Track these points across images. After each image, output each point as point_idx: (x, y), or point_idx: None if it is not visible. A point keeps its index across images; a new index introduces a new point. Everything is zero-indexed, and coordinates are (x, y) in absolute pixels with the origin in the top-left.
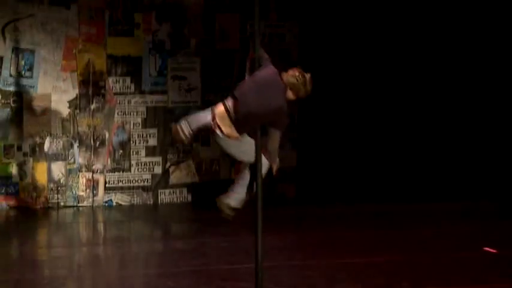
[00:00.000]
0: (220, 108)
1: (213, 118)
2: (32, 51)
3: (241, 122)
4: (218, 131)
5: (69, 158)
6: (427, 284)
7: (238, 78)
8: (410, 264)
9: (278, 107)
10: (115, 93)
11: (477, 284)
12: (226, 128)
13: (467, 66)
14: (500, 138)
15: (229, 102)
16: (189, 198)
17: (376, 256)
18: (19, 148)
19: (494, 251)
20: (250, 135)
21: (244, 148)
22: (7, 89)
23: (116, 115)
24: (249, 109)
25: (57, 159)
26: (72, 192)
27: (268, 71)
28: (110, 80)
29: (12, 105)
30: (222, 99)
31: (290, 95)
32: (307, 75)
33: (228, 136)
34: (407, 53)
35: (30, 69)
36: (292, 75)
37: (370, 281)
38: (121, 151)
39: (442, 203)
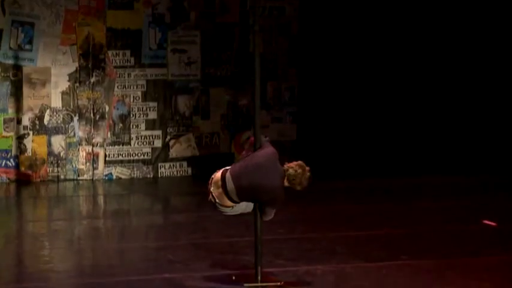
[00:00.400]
0: (217, 175)
1: (209, 183)
2: (32, 25)
3: (232, 197)
4: (210, 196)
5: (69, 132)
6: (426, 256)
7: (238, 51)
8: (410, 237)
9: (273, 188)
10: (115, 67)
11: (476, 257)
12: (218, 195)
13: (468, 40)
14: (501, 112)
15: (228, 173)
16: (189, 171)
17: (376, 229)
18: (19, 121)
19: (493, 224)
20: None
21: (237, 209)
22: (7, 62)
23: (115, 88)
24: (242, 189)
25: (57, 133)
26: (72, 166)
27: (267, 151)
28: (110, 53)
29: (12, 78)
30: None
31: (285, 182)
32: (307, 171)
33: (220, 203)
34: (410, 26)
35: (30, 42)
36: (293, 167)
37: (370, 254)
38: (121, 124)
39: (441, 177)
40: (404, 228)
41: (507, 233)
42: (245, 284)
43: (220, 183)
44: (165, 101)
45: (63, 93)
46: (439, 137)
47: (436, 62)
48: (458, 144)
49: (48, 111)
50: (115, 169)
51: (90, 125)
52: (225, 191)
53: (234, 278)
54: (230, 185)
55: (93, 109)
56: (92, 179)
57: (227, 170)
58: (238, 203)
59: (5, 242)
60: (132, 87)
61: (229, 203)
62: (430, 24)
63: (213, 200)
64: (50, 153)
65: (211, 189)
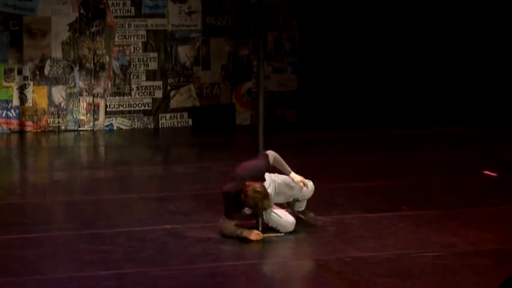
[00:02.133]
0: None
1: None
2: None
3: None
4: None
5: (70, 82)
6: (427, 207)
7: (239, 1)
8: (411, 187)
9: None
10: (115, 17)
11: (477, 207)
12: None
13: None
14: (501, 61)
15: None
16: (190, 122)
17: (377, 180)
18: (19, 72)
19: (494, 174)
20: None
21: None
22: (7, 11)
23: (116, 39)
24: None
25: (57, 83)
26: (73, 116)
27: (260, 161)
28: (110, 3)
29: (12, 28)
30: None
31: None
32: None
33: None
34: None
35: None
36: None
37: (370, 205)
38: (121, 75)
39: (442, 127)
40: (405, 179)
41: (508, 183)
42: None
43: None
44: (165, 51)
45: (63, 43)
46: (440, 86)
47: (438, 15)
48: (458, 94)
49: (48, 61)
50: (116, 120)
51: (91, 76)
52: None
53: None
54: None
55: (93, 59)
56: (93, 130)
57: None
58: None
59: (6, 193)
60: (132, 37)
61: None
62: None
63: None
64: (51, 103)
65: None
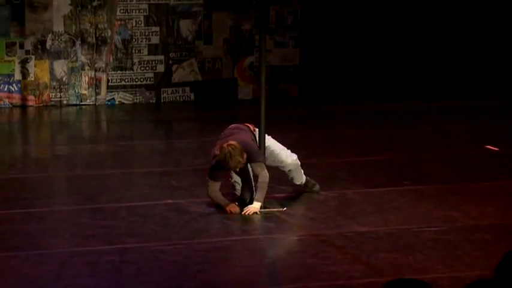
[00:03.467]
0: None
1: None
2: None
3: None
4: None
5: (72, 56)
6: (428, 182)
7: None
8: (412, 162)
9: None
10: None
11: (478, 182)
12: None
13: None
14: (503, 36)
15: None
16: (192, 96)
17: (378, 155)
18: (21, 46)
19: (495, 148)
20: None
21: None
22: None
23: (118, 13)
24: None
25: (59, 57)
26: (75, 91)
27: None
28: None
29: (14, 1)
30: None
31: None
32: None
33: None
34: None
35: None
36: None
37: (371, 180)
38: (123, 49)
39: (443, 101)
40: (406, 154)
41: (509, 158)
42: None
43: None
44: (167, 25)
45: (65, 17)
46: (441, 60)
47: None
48: (460, 68)
49: (50, 35)
50: (117, 94)
51: (93, 50)
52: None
53: (237, 203)
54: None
55: (95, 33)
56: (95, 104)
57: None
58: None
59: (8, 167)
60: (134, 11)
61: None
62: None
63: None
64: (53, 78)
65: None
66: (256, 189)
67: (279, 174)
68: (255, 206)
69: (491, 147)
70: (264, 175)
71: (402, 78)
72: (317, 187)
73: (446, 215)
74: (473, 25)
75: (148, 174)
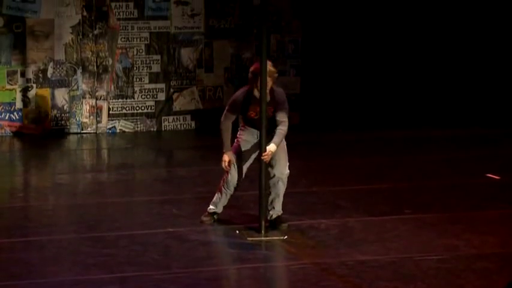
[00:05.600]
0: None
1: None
2: None
3: None
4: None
5: (73, 85)
6: (429, 210)
7: (242, 3)
8: (413, 190)
9: None
10: (118, 19)
11: (479, 210)
12: None
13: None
14: (502, 64)
15: None
16: (193, 125)
17: (379, 183)
18: (22, 74)
19: (496, 177)
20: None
21: None
22: (10, 13)
23: (119, 41)
24: None
25: (60, 86)
26: (76, 119)
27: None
28: (113, 5)
29: (15, 30)
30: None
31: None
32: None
33: None
34: None
35: None
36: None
37: (372, 208)
38: (124, 78)
39: (443, 130)
40: (408, 182)
41: (510, 187)
42: (249, 238)
43: None
44: (168, 53)
45: (66, 45)
46: (441, 89)
47: (441, 18)
48: (460, 97)
49: (51, 63)
50: (118, 122)
51: (94, 78)
52: None
53: (238, 232)
54: None
55: (96, 62)
56: (96, 133)
57: None
58: None
59: (9, 196)
60: (135, 39)
61: None
62: None
63: None
64: (54, 106)
65: None
66: (275, 133)
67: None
68: (271, 148)
69: (492, 176)
70: (287, 124)
71: (403, 106)
72: (285, 225)
73: (447, 244)
74: (474, 55)
75: (149, 203)
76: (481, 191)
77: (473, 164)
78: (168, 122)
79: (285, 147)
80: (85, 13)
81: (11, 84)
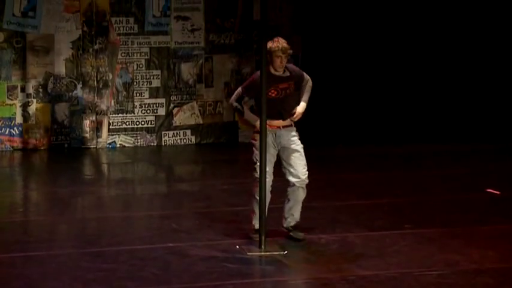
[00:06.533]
0: None
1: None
2: None
3: None
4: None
5: (73, 100)
6: (429, 225)
7: (242, 18)
8: (413, 205)
9: None
10: (118, 34)
11: (479, 225)
12: None
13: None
14: (501, 79)
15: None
16: (193, 140)
17: (379, 198)
18: (22, 89)
19: (497, 192)
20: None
21: None
22: (10, 29)
23: (119, 56)
24: None
25: (60, 101)
26: (76, 134)
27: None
28: (113, 21)
29: (15, 45)
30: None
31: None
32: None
33: None
34: None
35: (33, 9)
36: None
37: (372, 223)
38: (124, 92)
39: (444, 145)
40: (407, 197)
41: (510, 201)
42: (249, 253)
43: None
44: (168, 68)
45: (66, 60)
46: (441, 104)
47: (440, 33)
48: (460, 112)
49: (51, 78)
50: (119, 137)
51: (94, 93)
52: None
53: (238, 247)
54: None
55: (96, 77)
56: (96, 147)
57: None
58: None
59: (9, 211)
60: (135, 54)
61: None
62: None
63: None
64: (54, 121)
65: None
66: (303, 92)
67: (279, 218)
68: (302, 107)
69: (492, 191)
70: (311, 80)
71: (402, 121)
72: (302, 235)
73: (447, 259)
74: (472, 70)
75: (149, 217)
76: (481, 205)
77: (473, 178)
78: (168, 137)
79: (303, 152)
80: (85, 28)
81: (11, 99)
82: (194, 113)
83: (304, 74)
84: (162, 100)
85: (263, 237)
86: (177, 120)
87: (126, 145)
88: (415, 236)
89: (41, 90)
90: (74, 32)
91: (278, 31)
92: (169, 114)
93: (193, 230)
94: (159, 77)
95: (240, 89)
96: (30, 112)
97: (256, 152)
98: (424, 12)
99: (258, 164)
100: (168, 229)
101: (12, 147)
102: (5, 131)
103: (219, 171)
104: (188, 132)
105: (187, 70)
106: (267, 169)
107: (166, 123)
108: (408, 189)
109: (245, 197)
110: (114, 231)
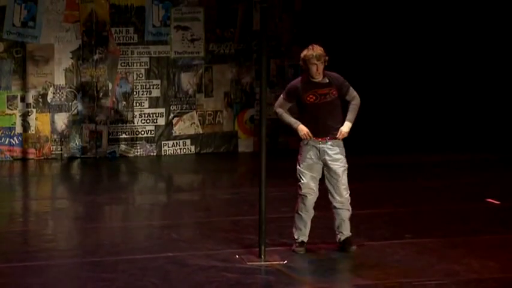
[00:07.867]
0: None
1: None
2: (35, 1)
3: None
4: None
5: (73, 109)
6: (430, 235)
7: (242, 28)
8: (414, 215)
9: None
10: (118, 44)
11: (479, 235)
12: None
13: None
14: (503, 90)
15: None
16: (193, 149)
17: (379, 208)
18: (22, 99)
19: (497, 202)
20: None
21: None
22: (10, 39)
23: (119, 66)
24: None
25: (60, 110)
26: (76, 144)
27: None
28: (113, 30)
29: (15, 55)
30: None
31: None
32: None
33: None
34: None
35: (33, 19)
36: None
37: (372, 233)
38: (124, 102)
39: (445, 155)
40: (408, 207)
41: (510, 211)
42: (248, 263)
43: None
44: (168, 78)
45: (66, 70)
46: (442, 114)
47: (443, 42)
48: (460, 122)
49: (51, 88)
50: (118, 147)
51: (94, 103)
52: None
53: (237, 256)
54: None
55: (96, 86)
56: (96, 157)
57: None
58: None
59: (8, 221)
60: (135, 64)
61: None
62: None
63: None
64: (54, 131)
65: None
66: (349, 110)
67: (279, 228)
68: (347, 127)
69: (492, 201)
70: (358, 98)
71: (403, 131)
72: (353, 248)
73: (447, 269)
74: (474, 81)
75: (149, 227)
76: (481, 215)
77: (473, 188)
78: (168, 147)
79: (346, 173)
80: (85, 38)
81: (11, 109)
82: (194, 123)
83: (351, 88)
84: (162, 110)
85: (263, 247)
86: (176, 129)
87: (126, 155)
88: (415, 245)
89: (40, 100)
90: (74, 42)
91: (278, 41)
92: (169, 124)
93: (193, 239)
94: (159, 86)
95: (281, 95)
96: (30, 122)
97: (299, 169)
98: (423, 25)
99: (302, 181)
100: (167, 239)
101: (12, 157)
102: (5, 140)
103: (219, 181)
104: (188, 141)
105: (187, 80)
106: (312, 186)
107: (166, 132)
108: (408, 199)
109: (245, 206)
110: (113, 241)
